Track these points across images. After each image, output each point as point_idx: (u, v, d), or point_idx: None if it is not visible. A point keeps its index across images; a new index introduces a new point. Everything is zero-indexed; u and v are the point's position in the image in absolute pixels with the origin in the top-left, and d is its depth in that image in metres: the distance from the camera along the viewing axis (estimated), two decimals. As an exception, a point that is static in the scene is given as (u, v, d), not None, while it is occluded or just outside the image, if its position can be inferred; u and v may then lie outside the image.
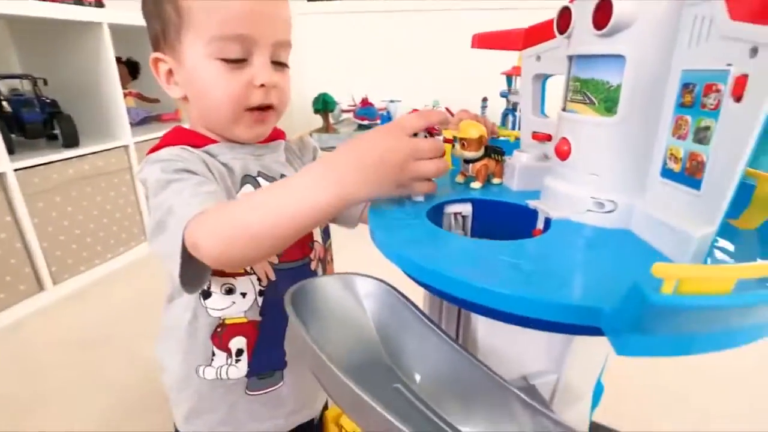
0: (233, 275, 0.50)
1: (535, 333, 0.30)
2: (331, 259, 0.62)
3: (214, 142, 0.50)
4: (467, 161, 0.44)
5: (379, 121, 2.19)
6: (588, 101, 0.33)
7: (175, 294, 0.52)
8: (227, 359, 0.53)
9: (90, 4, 1.23)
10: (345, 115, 2.40)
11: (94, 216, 1.33)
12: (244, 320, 0.52)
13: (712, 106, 0.27)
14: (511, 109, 1.98)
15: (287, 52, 0.50)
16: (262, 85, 0.47)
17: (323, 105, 2.19)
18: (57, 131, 1.24)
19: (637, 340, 0.21)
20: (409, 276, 0.31)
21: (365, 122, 2.28)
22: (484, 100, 2.29)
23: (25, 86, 1.25)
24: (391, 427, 0.21)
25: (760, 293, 0.20)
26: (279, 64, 0.49)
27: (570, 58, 0.34)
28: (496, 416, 0.29)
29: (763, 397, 0.93)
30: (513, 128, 1.95)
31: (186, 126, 0.53)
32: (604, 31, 0.30)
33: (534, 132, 0.46)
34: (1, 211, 1.12)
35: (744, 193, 0.35)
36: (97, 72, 1.29)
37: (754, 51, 0.24)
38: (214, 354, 0.52)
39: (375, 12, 2.68)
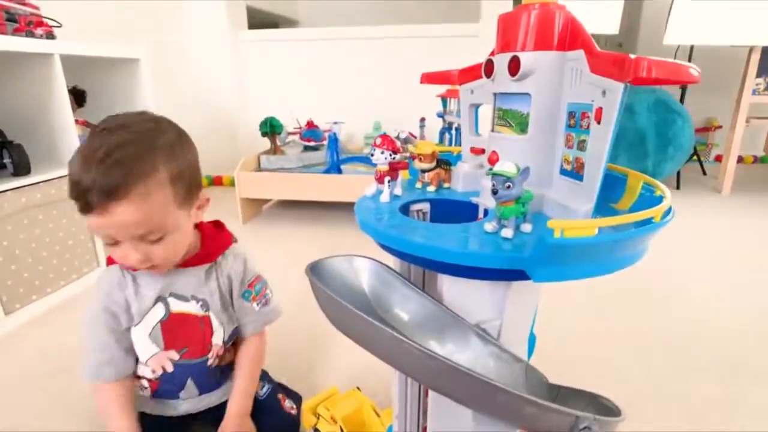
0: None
1: (482, 288, 0.43)
2: (234, 350, 0.75)
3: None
4: (423, 171, 0.57)
5: (325, 142, 2.30)
6: (508, 125, 0.47)
7: None
8: (139, 385, 0.70)
9: (41, 36, 1.25)
10: (291, 138, 2.49)
11: (47, 243, 1.32)
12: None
13: (586, 127, 0.41)
14: (447, 128, 2.18)
15: (158, 234, 0.56)
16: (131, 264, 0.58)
17: (270, 128, 2.27)
18: (7, 160, 1.23)
19: (545, 270, 0.34)
20: (389, 250, 0.43)
21: (312, 143, 2.38)
22: (422, 120, 2.48)
23: (-29, 115, 1.23)
24: (392, 342, 0.32)
25: (608, 235, 0.33)
26: (151, 240, 0.57)
27: (495, 94, 0.48)
28: (461, 345, 0.41)
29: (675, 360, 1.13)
30: (450, 144, 2.14)
31: None
32: (516, 77, 0.44)
33: (472, 147, 0.59)
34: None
35: (620, 186, 0.51)
36: (48, 101, 1.30)
37: (604, 93, 0.38)
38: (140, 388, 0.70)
39: (316, 39, 2.81)
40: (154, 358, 0.66)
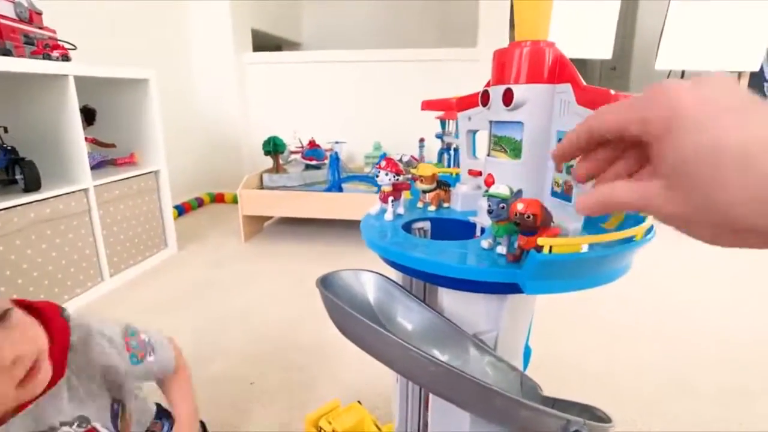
0: None
1: (479, 301, 0.46)
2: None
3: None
4: (424, 191, 0.60)
5: (326, 161, 2.34)
6: (503, 150, 0.51)
7: None
8: None
9: (57, 59, 1.30)
10: (293, 156, 2.54)
11: (53, 258, 1.35)
12: None
13: (573, 153, 0.45)
14: (446, 149, 2.23)
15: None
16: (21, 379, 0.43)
17: (273, 147, 2.32)
18: (18, 176, 1.27)
19: (536, 284, 0.37)
20: (393, 265, 0.46)
21: (313, 162, 2.43)
22: (421, 140, 2.53)
23: (-13, 134, 1.28)
24: (397, 348, 0.36)
25: (590, 252, 0.37)
26: None
27: (491, 122, 0.52)
28: (460, 354, 0.44)
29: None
30: (448, 165, 2.19)
31: None
32: (509, 107, 0.48)
33: (470, 169, 0.63)
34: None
35: (607, 207, 0.55)
36: (60, 120, 1.35)
37: (588, 123, 0.42)
38: None
39: (318, 62, 2.89)
40: None
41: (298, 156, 2.51)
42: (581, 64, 4.96)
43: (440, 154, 2.27)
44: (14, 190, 1.30)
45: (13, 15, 1.25)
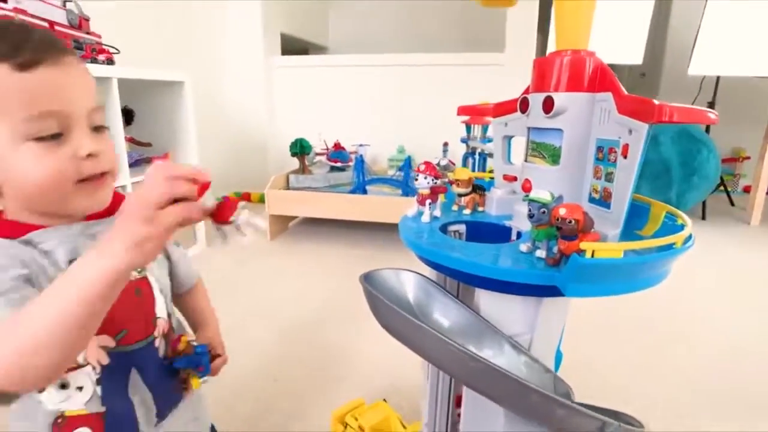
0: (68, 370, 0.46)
1: (515, 303, 0.47)
2: (183, 340, 0.57)
3: (36, 227, 0.45)
4: (460, 195, 0.62)
5: (351, 164, 2.38)
6: (541, 156, 0.52)
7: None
8: None
9: (103, 62, 1.36)
10: (319, 158, 2.58)
11: None
12: (85, 412, 0.48)
13: (613, 160, 0.46)
14: (471, 153, 2.24)
15: (102, 115, 0.46)
16: (90, 155, 0.43)
17: (300, 149, 2.37)
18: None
19: (576, 287, 0.38)
20: (430, 264, 0.48)
21: (338, 164, 2.47)
22: (445, 144, 2.54)
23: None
24: (438, 343, 0.37)
25: (632, 258, 0.38)
26: (97, 129, 0.45)
27: (529, 128, 0.54)
28: (496, 353, 0.45)
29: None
30: (473, 170, 2.19)
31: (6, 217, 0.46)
32: (549, 114, 0.49)
33: (505, 174, 0.64)
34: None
35: (644, 214, 0.55)
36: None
37: (630, 131, 0.43)
38: None
39: (344, 66, 2.93)
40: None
41: (323, 158, 2.55)
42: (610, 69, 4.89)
43: (464, 159, 2.27)
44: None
45: (65, 21, 1.32)
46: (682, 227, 0.46)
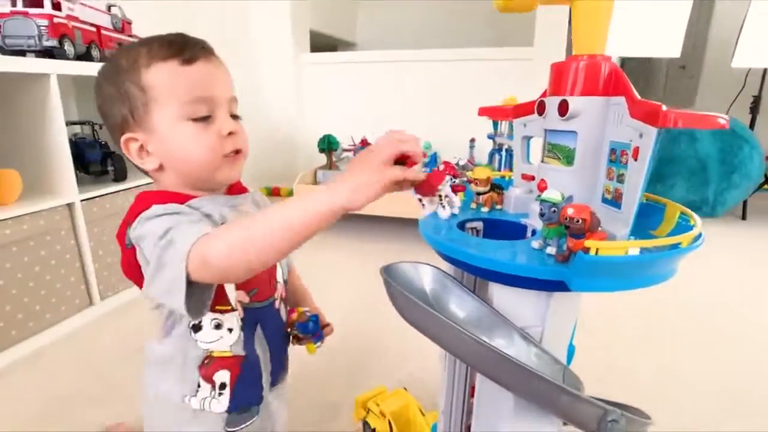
0: (222, 311, 0.55)
1: (528, 297, 0.50)
2: (292, 310, 0.66)
3: (192, 197, 0.54)
4: (478, 194, 0.64)
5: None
6: (556, 157, 0.54)
7: (168, 330, 0.56)
8: (211, 392, 0.57)
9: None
10: (346, 154, 2.63)
11: (40, 273, 1.35)
12: (229, 354, 0.56)
13: (625, 162, 0.48)
14: (497, 149, 2.23)
15: (236, 105, 0.57)
16: (230, 134, 0.54)
17: (328, 145, 2.42)
18: (110, 168, 1.44)
19: (582, 282, 0.41)
20: (448, 259, 0.51)
21: (366, 160, 2.50)
22: (472, 140, 2.54)
23: (85, 130, 1.46)
24: (451, 331, 0.40)
25: (636, 255, 0.40)
26: (234, 117, 0.56)
27: (545, 130, 0.56)
28: (507, 343, 0.48)
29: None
30: (499, 167, 2.19)
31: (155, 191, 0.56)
32: (564, 117, 0.51)
33: (523, 174, 0.67)
34: (67, 235, 1.30)
35: (659, 215, 0.56)
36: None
37: (640, 135, 0.45)
38: (199, 385, 0.56)
39: (372, 62, 2.96)
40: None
41: (350, 154, 2.60)
42: (647, 62, 4.70)
43: (491, 155, 2.27)
44: (105, 180, 1.46)
45: (110, 26, 1.41)
46: (692, 227, 0.47)
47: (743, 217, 2.64)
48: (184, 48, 0.51)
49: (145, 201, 0.51)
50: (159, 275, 0.44)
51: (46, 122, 1.25)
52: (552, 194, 0.45)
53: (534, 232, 0.57)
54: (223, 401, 0.57)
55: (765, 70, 2.74)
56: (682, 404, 1.06)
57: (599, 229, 0.42)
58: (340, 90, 3.05)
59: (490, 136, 2.29)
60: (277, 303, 0.62)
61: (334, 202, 0.42)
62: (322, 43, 3.60)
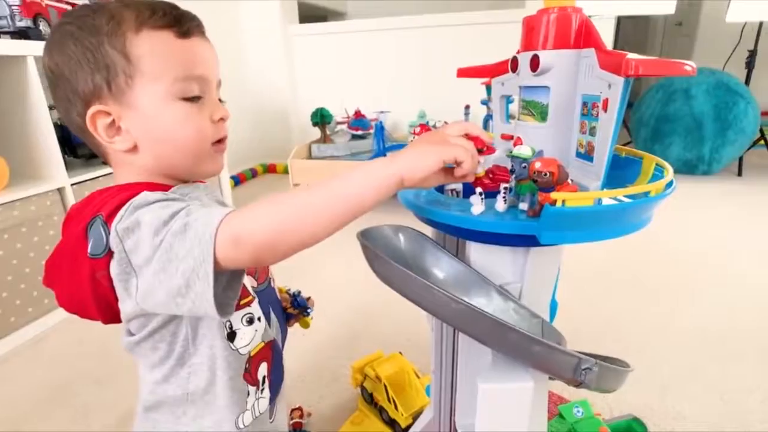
0: (248, 304, 0.51)
1: (505, 254, 0.51)
2: None
3: (169, 187, 0.47)
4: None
5: (372, 131, 2.39)
6: (531, 114, 0.54)
7: (180, 357, 0.48)
8: (256, 393, 0.53)
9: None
10: (340, 127, 2.61)
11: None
12: (262, 344, 0.53)
13: (595, 114, 0.48)
14: (491, 115, 2.21)
15: (219, 90, 0.52)
16: (220, 120, 0.49)
17: (321, 118, 2.40)
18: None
19: (551, 234, 0.41)
20: (426, 221, 0.52)
21: (359, 132, 2.49)
22: (467, 107, 2.51)
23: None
24: (424, 289, 0.41)
25: (603, 206, 0.40)
26: (220, 101, 0.51)
27: (519, 87, 0.55)
28: (485, 301, 0.49)
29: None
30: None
31: (127, 182, 0.47)
32: (536, 72, 0.51)
33: (502, 134, 0.66)
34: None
35: (637, 167, 0.56)
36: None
37: (609, 86, 0.45)
38: (248, 393, 0.52)
39: (363, 31, 2.90)
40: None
41: (344, 126, 2.58)
42: (644, 21, 4.58)
43: (485, 121, 2.25)
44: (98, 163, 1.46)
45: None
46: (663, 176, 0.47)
47: (739, 174, 2.63)
48: (180, 19, 0.46)
49: (127, 189, 0.44)
50: (168, 271, 0.37)
51: (27, 106, 1.24)
52: (522, 150, 0.45)
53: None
54: (266, 395, 0.54)
55: (760, 23, 2.68)
56: (671, 355, 1.09)
57: (570, 181, 0.43)
58: (332, 61, 2.99)
59: (483, 102, 2.26)
60: (272, 282, 0.61)
61: (393, 172, 0.39)
62: (312, 14, 3.51)
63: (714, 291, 1.39)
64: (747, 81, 2.71)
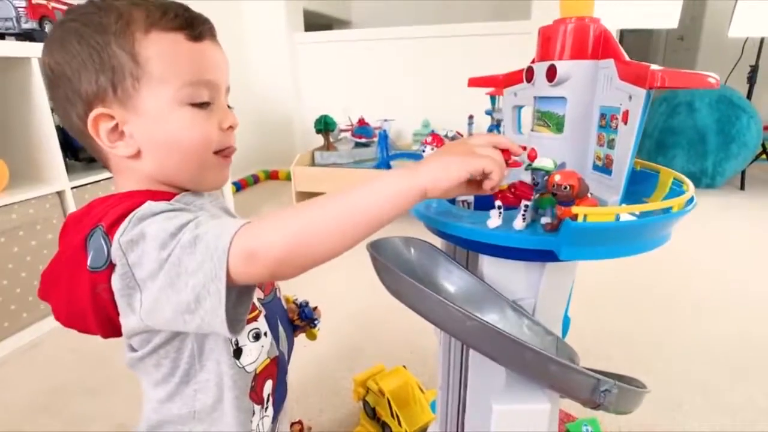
0: (255, 318, 0.49)
1: (519, 269, 0.49)
2: None
3: (172, 195, 0.46)
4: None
5: (375, 139, 2.39)
6: (546, 125, 0.53)
7: (185, 375, 0.46)
8: (261, 411, 0.51)
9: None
10: (343, 135, 2.60)
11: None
12: (268, 360, 0.51)
13: (614, 127, 0.47)
14: (496, 125, 2.21)
15: (228, 96, 0.51)
16: (230, 128, 0.48)
17: (324, 126, 2.39)
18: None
19: (571, 250, 0.40)
20: (437, 233, 0.50)
21: (362, 140, 2.48)
22: (470, 117, 2.51)
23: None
24: (438, 305, 0.40)
25: (624, 221, 0.39)
26: (228, 107, 0.50)
27: (534, 97, 0.54)
28: (499, 316, 0.47)
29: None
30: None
31: (128, 189, 0.46)
32: (553, 83, 0.49)
33: (514, 145, 0.65)
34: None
35: (653, 181, 0.55)
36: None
37: (629, 97, 0.43)
38: (254, 412, 0.50)
39: (367, 40, 2.91)
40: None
41: (347, 134, 2.57)
42: (647, 34, 4.61)
43: (489, 131, 2.25)
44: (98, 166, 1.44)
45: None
46: (684, 192, 0.46)
47: (742, 187, 2.62)
48: (192, 22, 0.44)
49: (130, 198, 0.42)
50: (176, 287, 0.35)
51: (30, 108, 1.23)
52: (544, 162, 0.44)
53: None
54: (270, 413, 0.52)
55: (762, 39, 2.69)
56: (681, 371, 1.07)
57: (589, 195, 0.41)
58: (336, 69, 3.00)
59: (488, 112, 2.26)
60: (279, 293, 0.59)
61: (416, 184, 0.37)
62: (317, 22, 3.52)
63: (720, 306, 1.37)
64: (749, 96, 2.71)
